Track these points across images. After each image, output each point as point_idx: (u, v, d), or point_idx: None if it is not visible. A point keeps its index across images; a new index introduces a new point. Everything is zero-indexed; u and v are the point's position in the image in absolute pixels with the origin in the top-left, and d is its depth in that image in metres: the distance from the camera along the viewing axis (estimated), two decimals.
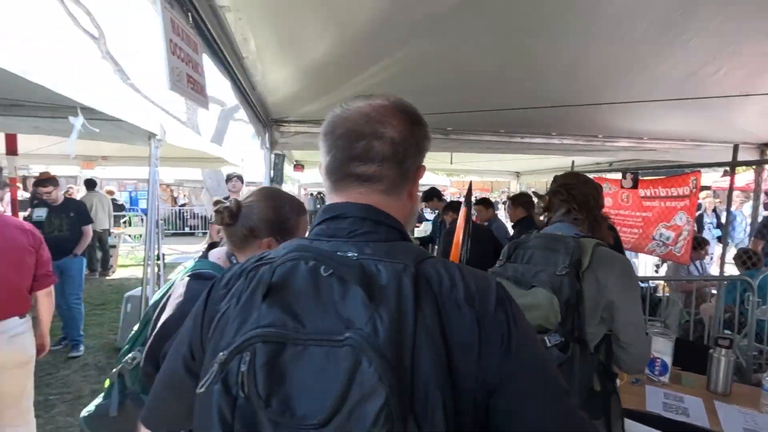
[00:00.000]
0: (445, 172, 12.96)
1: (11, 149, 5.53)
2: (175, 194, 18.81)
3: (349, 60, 2.20)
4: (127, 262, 9.39)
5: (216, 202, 1.02)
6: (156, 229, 4.10)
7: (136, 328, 1.02)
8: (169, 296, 0.98)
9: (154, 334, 0.90)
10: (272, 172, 3.88)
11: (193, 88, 1.36)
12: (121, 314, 4.16)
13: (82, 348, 3.99)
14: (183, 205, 16.39)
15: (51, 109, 3.58)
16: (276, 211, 1.02)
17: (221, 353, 0.48)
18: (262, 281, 0.53)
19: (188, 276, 0.99)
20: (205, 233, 14.47)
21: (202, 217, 15.26)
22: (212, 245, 1.09)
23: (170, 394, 0.57)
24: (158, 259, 4.12)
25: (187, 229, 14.41)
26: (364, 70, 2.33)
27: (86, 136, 3.19)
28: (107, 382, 1.05)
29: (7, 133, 5.17)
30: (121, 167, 10.50)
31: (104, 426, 0.98)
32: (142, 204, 14.12)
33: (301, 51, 2.12)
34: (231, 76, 2.10)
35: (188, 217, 14.72)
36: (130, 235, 11.26)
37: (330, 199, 0.62)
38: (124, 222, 11.93)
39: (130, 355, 0.96)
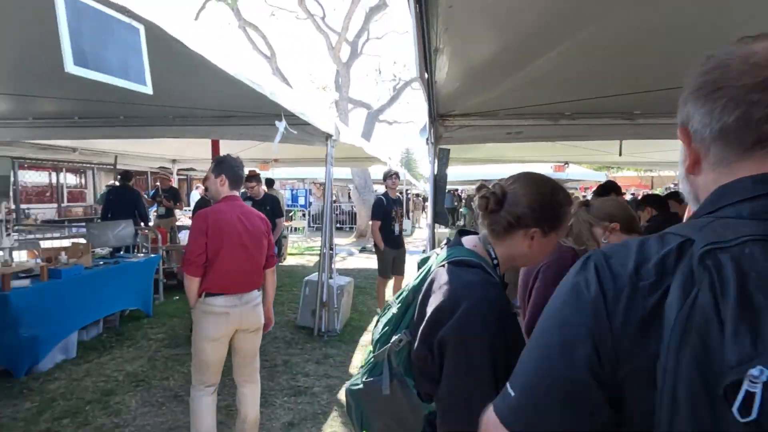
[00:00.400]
0: (602, 165, 11.54)
1: (215, 154, 6.73)
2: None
3: (515, 53, 2.07)
4: (292, 251, 10.60)
5: (480, 187, 0.99)
6: (329, 222, 4.50)
7: (394, 311, 1.05)
8: (430, 282, 0.97)
9: (426, 319, 0.90)
10: (437, 166, 3.91)
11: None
12: (301, 296, 4.69)
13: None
14: (333, 201, 18.00)
15: (254, 117, 4.22)
16: (546, 198, 0.94)
17: (754, 369, 0.36)
18: (751, 275, 0.41)
19: (449, 263, 0.97)
20: (352, 228, 15.71)
21: (347, 212, 16.55)
22: (463, 232, 1.07)
23: (560, 404, 0.47)
24: (330, 248, 4.51)
25: (337, 225, 15.70)
26: (530, 63, 2.19)
27: (274, 138, 3.67)
28: (363, 362, 1.11)
29: (213, 139, 6.23)
30: (285, 168, 11.91)
31: (371, 401, 1.03)
32: (301, 201, 15.94)
33: (477, 44, 2.05)
34: (427, 69, 2.13)
35: (337, 213, 16.09)
36: (295, 228, 12.71)
37: (736, 170, 0.50)
38: (290, 216, 13.54)
39: (396, 337, 0.98)
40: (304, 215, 14.39)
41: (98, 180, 17.45)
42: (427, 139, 3.91)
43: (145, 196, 9.83)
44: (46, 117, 4.70)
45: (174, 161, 10.64)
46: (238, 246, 2.31)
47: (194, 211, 4.28)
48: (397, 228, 4.82)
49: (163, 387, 3.24)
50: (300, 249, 10.99)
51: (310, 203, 16.12)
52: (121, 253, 4.88)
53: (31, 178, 15.24)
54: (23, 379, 3.26)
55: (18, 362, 3.28)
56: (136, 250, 5.47)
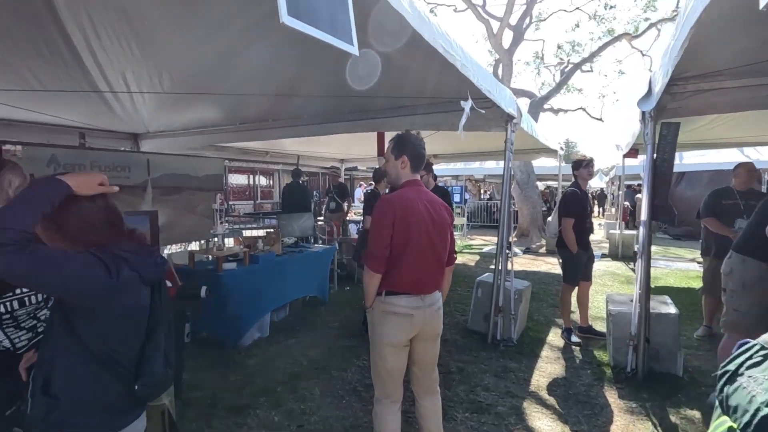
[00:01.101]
0: None
1: (381, 150, 6.84)
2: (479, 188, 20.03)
3: None
4: None
5: None
6: (507, 219, 3.99)
7: None
8: None
9: None
10: (656, 148, 3.03)
11: None
12: (472, 298, 4.30)
13: None
14: (489, 198, 17.19)
15: (425, 105, 4.00)
16: None
17: None
18: None
19: None
20: (515, 226, 14.70)
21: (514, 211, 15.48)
22: None
23: None
24: (508, 249, 3.99)
25: (494, 223, 14.86)
26: None
27: (452, 124, 3.34)
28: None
29: (379, 133, 6.28)
30: (438, 165, 11.68)
31: None
32: (456, 197, 15.61)
33: None
34: None
35: (494, 210, 15.25)
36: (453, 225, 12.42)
37: None
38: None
39: None
40: (460, 213, 14.01)
41: (282, 181, 20.37)
42: (644, 115, 3.07)
43: (316, 193, 10.83)
44: (248, 122, 5.37)
45: (342, 161, 11.47)
46: (426, 240, 2.00)
47: (366, 204, 4.29)
48: (590, 226, 4.02)
49: (342, 379, 3.23)
50: (459, 247, 10.64)
51: (466, 200, 15.67)
52: (304, 242, 5.26)
53: (235, 180, 18.63)
54: (230, 351, 3.67)
55: (227, 336, 3.70)
56: (312, 242, 5.91)
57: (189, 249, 5.94)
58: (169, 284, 2.90)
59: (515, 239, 12.00)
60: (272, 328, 4.19)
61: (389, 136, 5.93)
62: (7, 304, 1.64)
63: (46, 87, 3.91)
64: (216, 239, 3.79)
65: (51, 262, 0.99)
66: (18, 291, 1.66)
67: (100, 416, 1.17)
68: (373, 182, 15.52)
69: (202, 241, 5.95)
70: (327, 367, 3.41)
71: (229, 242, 7.16)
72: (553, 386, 3.21)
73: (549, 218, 6.84)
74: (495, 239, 11.95)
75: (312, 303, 5.03)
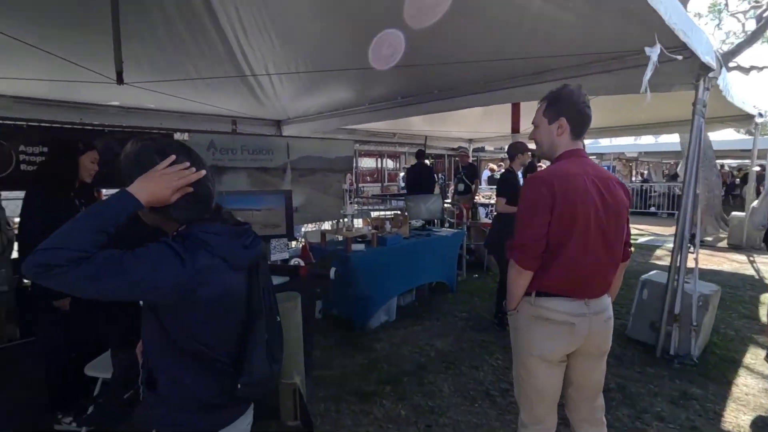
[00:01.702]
0: None
1: (515, 125, 6.17)
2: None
3: None
4: None
5: None
6: (691, 206, 3.12)
7: None
8: None
9: None
10: None
11: None
12: (635, 300, 3.53)
13: None
14: (645, 181, 14.68)
15: (581, 66, 3.32)
16: None
17: None
18: None
19: None
20: (672, 214, 12.30)
21: (663, 194, 12.99)
22: None
23: None
24: (691, 242, 3.13)
25: (652, 208, 12.64)
26: None
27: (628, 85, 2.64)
28: None
29: (514, 105, 5.61)
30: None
31: None
32: None
33: None
34: None
35: (651, 194, 12.94)
36: None
37: None
38: None
39: None
40: None
41: (407, 164, 20.62)
42: None
43: (441, 175, 10.49)
44: (377, 101, 5.29)
45: (470, 141, 10.90)
46: (595, 228, 1.51)
47: (500, 184, 3.81)
48: None
49: (474, 378, 2.91)
50: None
51: None
52: (431, 226, 5.02)
53: (364, 163, 19.47)
54: (357, 332, 3.65)
55: (355, 317, 3.69)
56: (439, 225, 5.64)
57: (321, 228, 6.24)
58: (302, 262, 2.95)
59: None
60: (399, 312, 4.07)
61: (527, 109, 5.30)
62: None
63: (206, 80, 4.37)
64: (346, 219, 3.79)
65: (112, 269, 0.86)
66: None
67: (201, 414, 1.05)
68: (501, 163, 14.51)
69: (334, 221, 6.18)
70: (456, 362, 3.13)
71: (358, 223, 7.37)
72: (762, 428, 2.39)
73: (754, 204, 5.34)
74: (652, 228, 10.16)
75: (439, 290, 4.79)
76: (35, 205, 2.16)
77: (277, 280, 2.58)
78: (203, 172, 1.04)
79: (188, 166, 1.02)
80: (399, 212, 4.72)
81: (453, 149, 11.16)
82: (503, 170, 4.34)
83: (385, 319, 3.92)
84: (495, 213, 4.37)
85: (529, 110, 5.48)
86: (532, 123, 1.75)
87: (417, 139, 9.50)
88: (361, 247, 3.65)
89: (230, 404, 1.09)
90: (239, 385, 1.04)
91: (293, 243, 6.73)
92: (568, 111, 1.58)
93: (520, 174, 3.86)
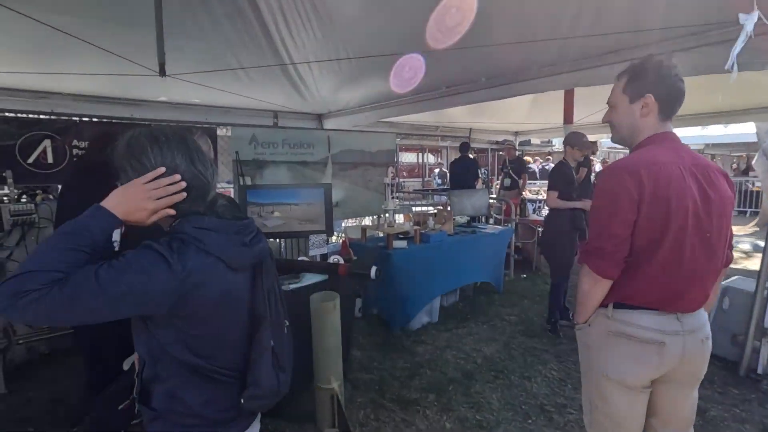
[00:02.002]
0: None
1: (568, 115, 5.73)
2: None
3: None
4: None
5: None
6: None
7: None
8: None
9: None
10: None
11: None
12: (713, 309, 3.12)
13: None
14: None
15: (647, 45, 2.93)
16: None
17: None
18: None
19: None
20: (744, 212, 11.16)
21: (751, 192, 11.74)
22: None
23: None
24: None
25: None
26: None
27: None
28: None
29: (567, 91, 5.21)
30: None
31: None
32: None
33: None
34: None
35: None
36: None
37: None
38: None
39: None
40: None
41: (450, 158, 20.17)
42: None
43: (484, 170, 10.07)
44: (421, 92, 5.08)
45: (516, 134, 10.41)
46: (694, 228, 1.24)
47: (552, 176, 3.45)
48: None
49: (526, 390, 2.66)
50: None
51: None
52: (477, 222, 4.76)
53: (405, 158, 19.26)
54: (397, 333, 3.48)
55: (395, 317, 3.52)
56: (485, 221, 5.35)
57: (362, 224, 6.12)
58: (341, 260, 2.81)
59: (754, 228, 9.03)
60: (442, 313, 3.86)
61: (582, 96, 4.89)
62: None
63: (249, 73, 4.35)
64: (387, 215, 3.63)
65: (90, 287, 0.74)
66: None
67: (203, 429, 0.93)
68: (549, 157, 13.85)
69: (374, 217, 6.04)
70: (506, 371, 2.88)
71: (399, 218, 7.20)
72: None
73: None
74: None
75: (484, 290, 4.52)
76: (74, 200, 2.14)
77: (315, 278, 2.46)
78: (183, 195, 0.90)
79: (178, 180, 0.89)
80: (442, 208, 4.49)
81: (497, 142, 10.71)
82: (543, 166, 3.99)
83: (427, 320, 3.72)
84: (547, 209, 4.05)
85: (584, 98, 5.08)
86: (608, 103, 1.48)
87: (460, 132, 9.18)
88: (402, 244, 3.47)
89: (234, 419, 0.97)
90: (243, 399, 0.93)
91: (333, 238, 6.68)
92: (656, 86, 1.30)
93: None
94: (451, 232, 4.04)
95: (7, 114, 3.60)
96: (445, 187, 10.32)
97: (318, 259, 2.89)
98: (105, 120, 4.02)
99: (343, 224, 6.37)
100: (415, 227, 3.66)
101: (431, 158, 21.26)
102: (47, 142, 3.58)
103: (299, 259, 2.63)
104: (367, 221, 6.15)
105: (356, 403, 2.49)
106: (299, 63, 3.82)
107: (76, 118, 3.86)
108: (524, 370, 2.90)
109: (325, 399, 2.17)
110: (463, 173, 6.39)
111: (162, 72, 3.09)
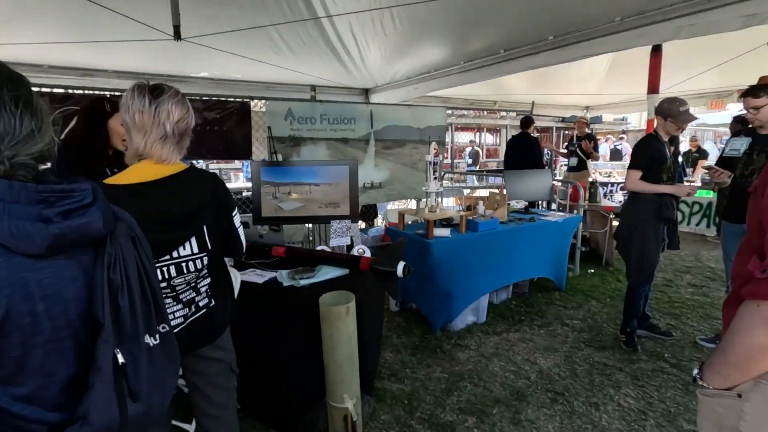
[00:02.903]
0: None
1: (654, 81, 4.80)
2: None
3: None
4: None
5: None
6: None
7: None
8: None
9: None
10: None
11: None
12: None
13: None
14: None
15: None
16: None
17: None
18: None
19: None
20: None
21: None
22: None
23: None
24: None
25: None
26: None
27: None
28: None
29: (654, 55, 4.34)
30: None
31: None
32: None
33: None
34: None
35: None
36: None
37: None
38: None
39: None
40: None
41: (509, 138, 18.91)
42: None
43: (547, 151, 9.17)
44: (474, 58, 4.46)
45: (586, 109, 9.33)
46: None
47: (636, 152, 2.73)
48: None
49: (593, 422, 2.12)
50: None
51: None
52: (536, 208, 4.13)
53: (460, 138, 18.34)
54: (438, 334, 3.04)
55: (435, 315, 3.08)
56: (545, 207, 4.67)
57: (399, 208, 5.67)
58: (366, 251, 2.41)
59: None
60: (490, 312, 3.36)
61: (673, 58, 4.00)
62: (164, 270, 1.29)
63: (291, 47, 4.02)
64: (430, 198, 3.14)
65: None
66: (176, 254, 1.30)
67: None
68: (623, 136, 12.38)
69: (422, 200, 5.56)
70: (566, 393, 2.35)
71: (449, 202, 6.64)
72: None
73: None
74: None
75: (543, 286, 3.93)
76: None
77: (333, 272, 2.07)
78: None
79: None
80: (496, 190, 3.91)
81: (562, 120, 9.66)
82: (615, 146, 3.24)
83: (473, 320, 3.24)
84: (624, 194, 3.33)
85: (675, 60, 4.15)
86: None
87: (520, 108, 8.33)
88: (445, 232, 2.99)
89: None
90: None
91: (379, 221, 6.30)
92: None
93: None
94: (504, 219, 3.48)
95: (40, 88, 3.52)
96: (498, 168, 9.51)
97: (344, 251, 2.52)
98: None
99: (388, 206, 5.97)
100: (462, 213, 3.15)
101: (489, 138, 20.10)
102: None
103: (318, 248, 2.25)
104: (412, 204, 5.69)
105: (379, 422, 2.11)
106: (336, 15, 3.39)
107: (107, 93, 3.73)
108: (591, 393, 2.35)
109: (338, 419, 1.81)
110: (523, 152, 5.67)
111: (177, 35, 2.82)
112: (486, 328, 3.18)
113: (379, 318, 2.28)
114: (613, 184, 7.89)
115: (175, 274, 1.31)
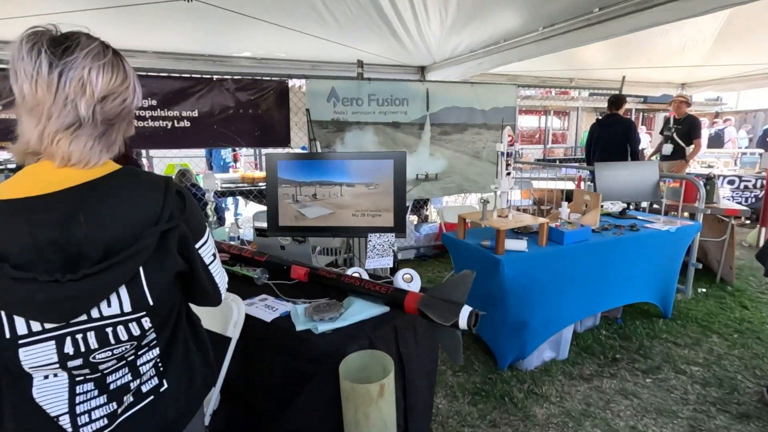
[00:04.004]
0: None
1: None
2: None
3: None
4: None
5: None
6: None
7: None
8: None
9: None
10: None
11: None
12: None
13: None
14: None
15: None
16: None
17: None
18: None
19: None
20: None
21: None
22: None
23: None
24: None
25: None
26: None
27: None
28: None
29: None
30: None
31: None
32: None
33: None
34: None
35: None
36: None
37: None
38: None
39: None
40: None
41: (579, 122, 17.16)
42: None
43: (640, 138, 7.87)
44: (558, 21, 3.60)
45: (682, 86, 7.89)
46: None
47: None
48: None
49: None
50: None
51: None
52: (635, 212, 3.25)
53: (523, 122, 16.95)
54: (505, 374, 2.38)
55: (503, 349, 2.41)
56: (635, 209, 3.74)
57: (458, 207, 4.96)
58: (414, 278, 1.76)
59: None
60: (574, 344, 2.63)
61: None
62: (77, 339, 0.77)
63: (337, 17, 3.44)
64: (501, 199, 2.44)
65: None
66: (96, 314, 0.77)
67: None
68: (730, 118, 10.54)
69: (485, 195, 4.81)
70: None
71: (513, 195, 5.80)
72: None
73: None
74: None
75: (640, 310, 3.10)
76: None
77: (368, 310, 1.48)
78: None
79: None
80: (581, 187, 3.10)
81: (644, 100, 8.26)
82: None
83: (551, 355, 2.53)
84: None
85: None
86: None
87: (600, 86, 7.16)
88: (520, 245, 2.28)
89: None
90: None
91: (433, 214, 5.63)
92: None
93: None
94: (596, 226, 2.69)
95: None
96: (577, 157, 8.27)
97: (388, 275, 1.92)
98: (165, 75, 3.50)
99: (444, 200, 5.27)
100: (544, 221, 2.41)
101: (557, 122, 18.42)
102: None
103: (352, 271, 1.67)
104: (472, 200, 4.97)
105: None
106: None
107: (142, 73, 3.39)
108: None
109: None
110: (613, 139, 4.67)
111: None
112: (569, 368, 2.45)
113: (431, 375, 1.66)
114: (739, 178, 6.55)
115: (96, 346, 0.77)
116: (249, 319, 1.51)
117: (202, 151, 6.71)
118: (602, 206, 2.95)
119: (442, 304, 1.33)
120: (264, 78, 3.69)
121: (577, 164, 7.20)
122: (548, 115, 17.16)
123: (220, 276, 0.96)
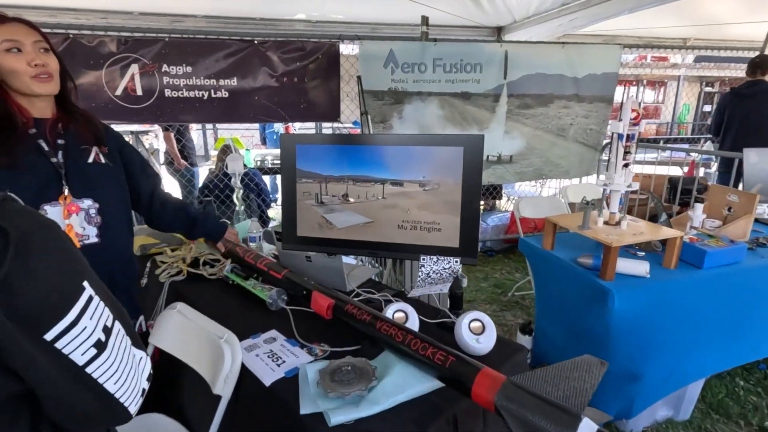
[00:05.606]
0: None
1: None
2: None
3: None
4: None
5: None
6: None
7: None
8: None
9: None
10: None
11: None
12: None
13: None
14: None
15: None
16: None
17: None
18: None
19: None
20: None
21: None
22: None
23: None
24: None
25: None
26: None
27: None
28: None
29: None
30: None
31: None
32: None
33: None
34: None
35: None
36: None
37: None
38: None
39: None
40: None
41: (676, 94, 14.86)
42: None
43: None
44: None
45: None
46: None
47: None
48: None
49: None
50: None
51: None
52: None
53: None
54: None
55: (607, 400, 1.78)
56: None
57: (540, 198, 4.20)
58: (490, 330, 1.17)
59: None
60: (699, 398, 1.92)
61: None
62: None
63: None
64: (613, 201, 1.74)
65: None
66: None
67: None
68: None
69: (568, 184, 4.02)
70: None
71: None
72: None
73: None
74: None
75: None
76: None
77: (412, 387, 0.96)
78: None
79: None
80: (693, 174, 2.26)
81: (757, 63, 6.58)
82: None
83: (667, 414, 1.86)
84: None
85: None
86: None
87: (731, 45, 5.72)
88: (640, 268, 1.60)
89: None
90: None
91: (503, 202, 4.90)
92: None
93: None
94: (747, 238, 1.91)
95: (81, 32, 2.88)
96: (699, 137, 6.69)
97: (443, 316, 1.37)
98: (200, 38, 3.11)
99: (517, 186, 4.53)
100: (670, 233, 1.70)
101: (649, 94, 16.13)
102: (135, 68, 2.84)
103: (392, 310, 1.15)
104: (547, 191, 4.18)
105: None
106: None
107: (165, 36, 3.02)
108: None
109: None
110: (762, 113, 3.54)
111: None
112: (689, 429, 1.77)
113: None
114: None
115: None
116: (243, 376, 1.06)
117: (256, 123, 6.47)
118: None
119: (540, 407, 0.77)
120: (312, 40, 3.18)
121: (687, 145, 5.95)
122: (640, 86, 15.02)
123: (118, 378, 0.49)
